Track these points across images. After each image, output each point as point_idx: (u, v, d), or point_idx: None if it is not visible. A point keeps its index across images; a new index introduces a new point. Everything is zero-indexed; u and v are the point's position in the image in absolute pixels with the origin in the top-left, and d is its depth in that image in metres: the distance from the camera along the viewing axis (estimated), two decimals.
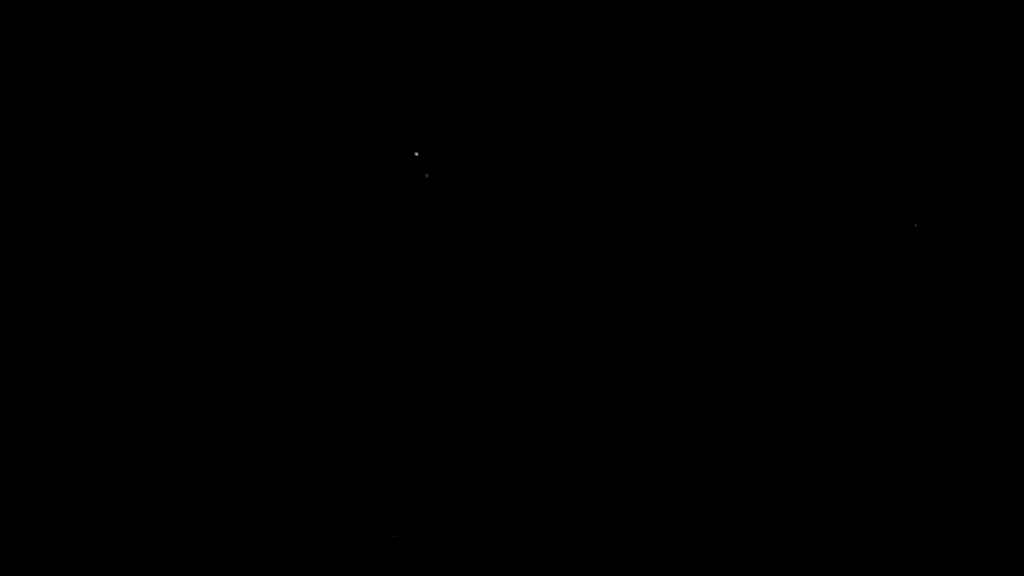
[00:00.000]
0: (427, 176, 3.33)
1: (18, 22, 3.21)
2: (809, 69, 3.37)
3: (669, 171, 3.42)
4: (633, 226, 3.43)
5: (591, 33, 3.41)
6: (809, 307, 3.37)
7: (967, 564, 3.16)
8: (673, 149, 3.42)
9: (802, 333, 3.36)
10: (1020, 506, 3.17)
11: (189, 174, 3.45)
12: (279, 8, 3.37)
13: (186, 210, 3.45)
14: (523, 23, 3.40)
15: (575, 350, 3.41)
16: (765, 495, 3.26)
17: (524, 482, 3.31)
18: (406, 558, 3.25)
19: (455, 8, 3.39)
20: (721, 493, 3.28)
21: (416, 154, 3.35)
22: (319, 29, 3.39)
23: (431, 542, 3.26)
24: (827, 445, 3.29)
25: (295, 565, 3.24)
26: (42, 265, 3.42)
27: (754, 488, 3.27)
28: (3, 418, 3.35)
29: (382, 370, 3.41)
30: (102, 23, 3.38)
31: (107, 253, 3.45)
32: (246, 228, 3.43)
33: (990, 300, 3.29)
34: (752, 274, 3.39)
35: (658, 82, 3.40)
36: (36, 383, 3.38)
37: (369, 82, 3.41)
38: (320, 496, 3.30)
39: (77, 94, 3.40)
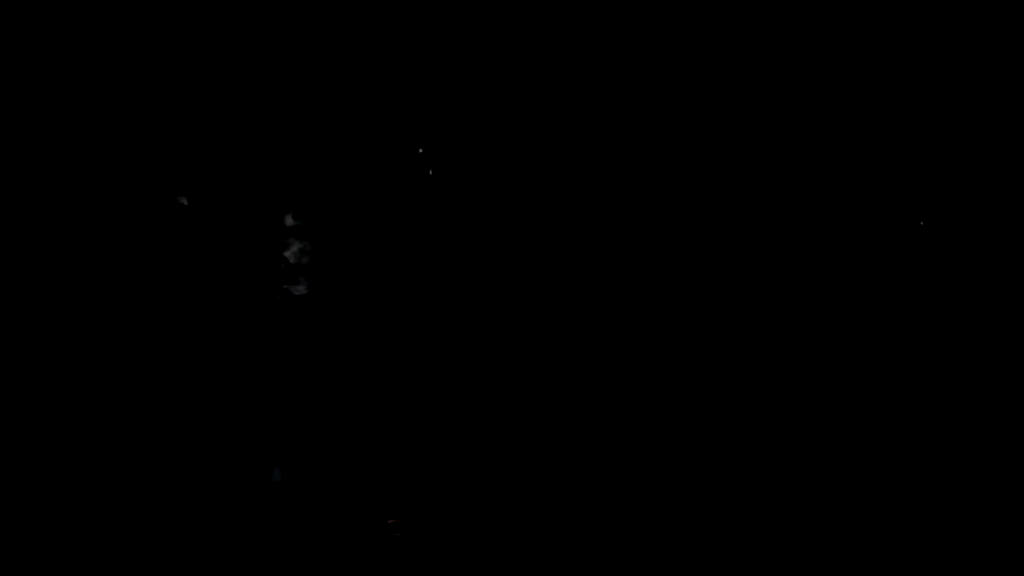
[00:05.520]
0: (431, 172, 3.33)
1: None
2: (813, 69, 3.38)
3: (674, 171, 3.42)
4: (634, 225, 3.43)
5: (590, 35, 3.41)
6: (813, 306, 3.37)
7: (967, 564, 3.16)
8: (678, 149, 3.42)
9: (807, 332, 3.36)
10: (1020, 506, 3.18)
11: (199, 171, 3.44)
12: (293, 13, 3.36)
13: (194, 206, 3.43)
14: (524, 25, 3.40)
15: (573, 348, 3.40)
16: (762, 495, 3.26)
17: (523, 481, 3.30)
18: (406, 558, 3.23)
19: (458, 12, 3.39)
20: (721, 493, 3.27)
21: (420, 151, 3.34)
22: (331, 34, 3.39)
23: (431, 542, 3.25)
24: (827, 444, 3.29)
25: (295, 565, 3.22)
26: (44, 264, 3.40)
27: (752, 488, 3.27)
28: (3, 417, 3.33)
29: (383, 369, 3.40)
30: (109, 23, 3.37)
31: (109, 251, 3.44)
32: (252, 225, 3.43)
33: (993, 297, 3.29)
34: (756, 272, 3.39)
35: (661, 82, 3.41)
36: (39, 381, 3.36)
37: (376, 82, 3.40)
38: (320, 496, 3.29)
39: (85, 94, 3.39)
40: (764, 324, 3.40)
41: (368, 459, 3.36)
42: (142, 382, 3.39)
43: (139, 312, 3.41)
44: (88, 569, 3.21)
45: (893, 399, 3.33)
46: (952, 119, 3.35)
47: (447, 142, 3.33)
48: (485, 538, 3.25)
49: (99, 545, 3.23)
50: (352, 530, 3.27)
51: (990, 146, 3.32)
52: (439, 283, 3.44)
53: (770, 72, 3.39)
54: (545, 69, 3.40)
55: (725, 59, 3.40)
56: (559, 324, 3.44)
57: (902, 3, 3.35)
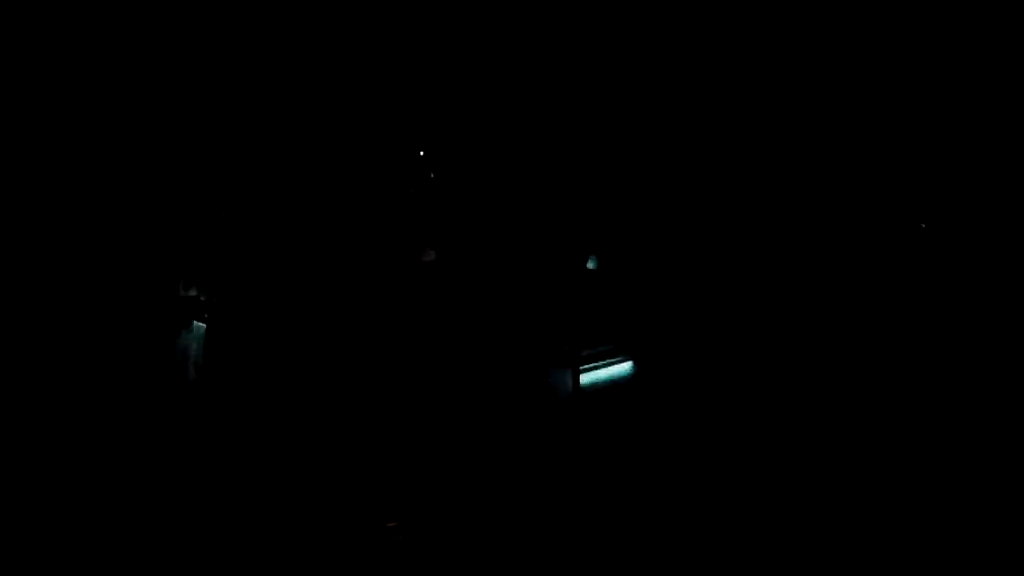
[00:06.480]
0: (432, 175, 3.33)
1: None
2: (812, 69, 3.38)
3: (674, 171, 3.42)
4: (637, 225, 3.43)
5: (589, 39, 3.41)
6: (815, 306, 3.38)
7: (967, 564, 3.17)
8: (678, 150, 3.42)
9: (809, 332, 3.36)
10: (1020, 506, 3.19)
11: (201, 174, 3.44)
12: (297, 17, 3.36)
13: (199, 208, 3.43)
14: (524, 29, 3.40)
15: (573, 350, 3.40)
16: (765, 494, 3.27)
17: (523, 482, 3.30)
18: (407, 558, 3.24)
19: (459, 19, 3.38)
20: (722, 495, 3.28)
21: (422, 153, 3.35)
22: (333, 37, 3.39)
23: (432, 542, 3.25)
24: (826, 444, 3.30)
25: (296, 565, 3.23)
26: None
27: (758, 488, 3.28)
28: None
29: (384, 371, 3.40)
30: (111, 23, 3.36)
31: (108, 251, 3.44)
32: (255, 226, 3.43)
33: (994, 298, 3.30)
34: (758, 273, 3.40)
35: (662, 81, 3.41)
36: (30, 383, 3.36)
37: (378, 86, 3.40)
38: (321, 496, 3.29)
39: (86, 94, 3.39)
40: (763, 323, 3.41)
41: (368, 462, 3.36)
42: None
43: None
44: (85, 567, 3.21)
45: (891, 399, 3.34)
46: (952, 120, 3.36)
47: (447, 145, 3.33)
48: (485, 539, 3.26)
49: (95, 541, 3.23)
50: (353, 533, 3.28)
51: (990, 147, 3.33)
52: (443, 281, 3.44)
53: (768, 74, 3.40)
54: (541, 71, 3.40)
55: (724, 62, 3.40)
56: (559, 323, 3.45)
57: (902, 3, 3.36)
